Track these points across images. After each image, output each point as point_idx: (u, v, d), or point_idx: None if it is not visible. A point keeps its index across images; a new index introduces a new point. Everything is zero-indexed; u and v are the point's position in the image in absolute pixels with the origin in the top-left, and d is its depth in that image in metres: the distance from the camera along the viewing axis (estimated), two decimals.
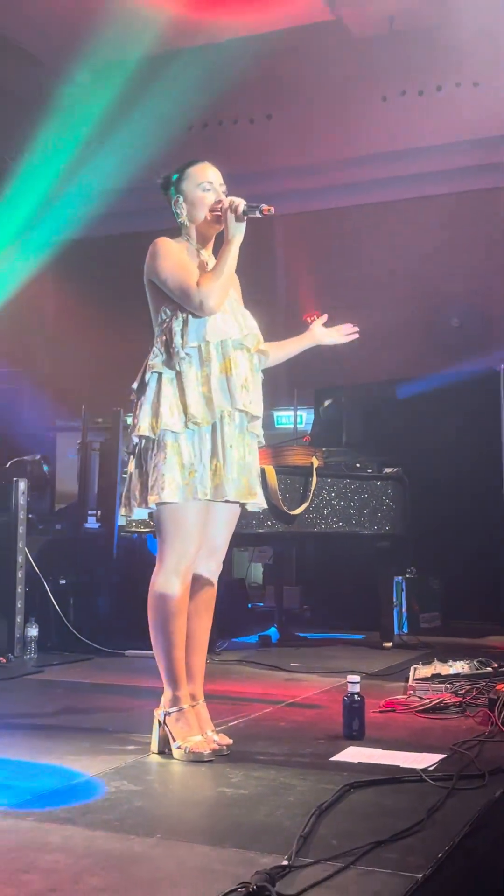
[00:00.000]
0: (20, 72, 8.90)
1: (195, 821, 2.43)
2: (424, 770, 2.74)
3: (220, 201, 3.10)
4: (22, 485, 5.52)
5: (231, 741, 3.06)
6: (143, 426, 2.99)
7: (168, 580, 3.00)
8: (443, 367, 7.67)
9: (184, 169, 3.17)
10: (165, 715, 3.02)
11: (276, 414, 8.74)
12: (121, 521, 6.04)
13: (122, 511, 3.13)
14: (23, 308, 8.63)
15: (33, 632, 5.31)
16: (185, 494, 2.94)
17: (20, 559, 5.43)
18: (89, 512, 6.21)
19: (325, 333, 3.37)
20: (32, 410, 8.48)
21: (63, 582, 5.68)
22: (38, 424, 7.95)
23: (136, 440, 3.05)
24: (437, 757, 2.88)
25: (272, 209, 3.06)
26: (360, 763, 2.88)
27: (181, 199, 3.15)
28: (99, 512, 6.22)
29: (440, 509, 6.88)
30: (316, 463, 5.54)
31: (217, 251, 3.12)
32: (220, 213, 3.08)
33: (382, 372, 7.74)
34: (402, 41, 7.93)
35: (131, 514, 3.09)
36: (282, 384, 7.20)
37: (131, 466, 3.09)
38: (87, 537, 6.11)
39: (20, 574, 5.42)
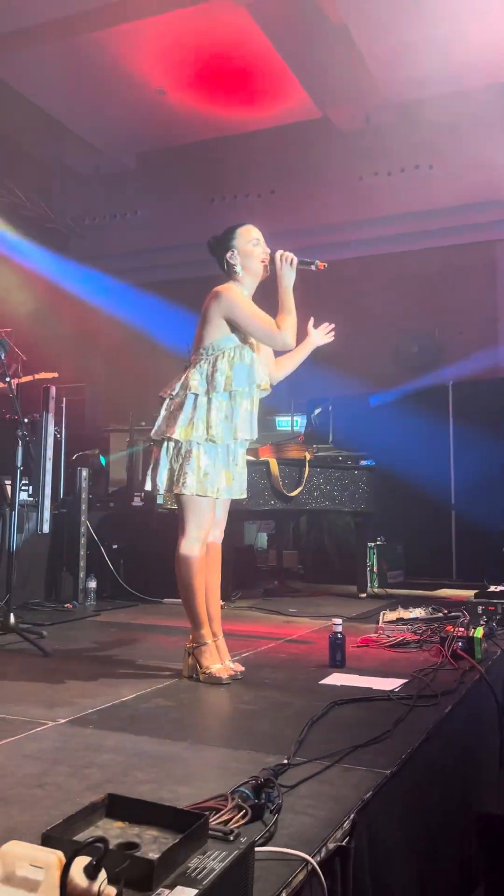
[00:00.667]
0: (82, 155, 8.91)
1: (216, 729, 2.43)
2: (391, 691, 2.74)
3: (271, 253, 3.08)
4: (84, 472, 5.53)
5: (243, 668, 3.05)
6: (178, 432, 2.97)
7: (191, 548, 3.01)
8: (405, 383, 7.65)
9: (234, 229, 3.13)
10: (193, 648, 3.02)
11: (278, 419, 8.73)
12: (159, 501, 6.04)
13: (146, 486, 3.09)
14: (85, 337, 8.63)
15: (92, 584, 5.32)
16: (198, 490, 2.96)
17: (83, 529, 5.45)
18: (135, 493, 6.21)
19: (317, 335, 3.30)
20: (92, 416, 8.48)
21: (115, 546, 5.69)
22: (97, 427, 7.95)
23: (158, 437, 3.04)
24: (401, 681, 2.88)
25: (325, 265, 3.06)
26: (342, 686, 2.88)
27: (235, 252, 3.09)
28: (142, 493, 6.23)
29: (403, 492, 6.87)
30: (308, 456, 5.53)
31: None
32: (267, 264, 3.08)
33: (360, 386, 7.72)
34: (376, 133, 7.91)
35: (154, 491, 3.06)
36: (282, 396, 7.18)
37: (157, 454, 3.05)
38: (134, 513, 6.11)
39: (83, 540, 5.43)
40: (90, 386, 8.30)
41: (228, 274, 3.13)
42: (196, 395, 3.00)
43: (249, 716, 2.57)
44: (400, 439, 7.05)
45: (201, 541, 3.03)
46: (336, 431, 7.24)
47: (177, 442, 2.99)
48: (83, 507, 5.47)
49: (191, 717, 2.54)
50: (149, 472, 3.08)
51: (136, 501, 6.16)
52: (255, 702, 2.72)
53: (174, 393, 3.05)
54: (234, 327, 3.02)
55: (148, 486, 3.08)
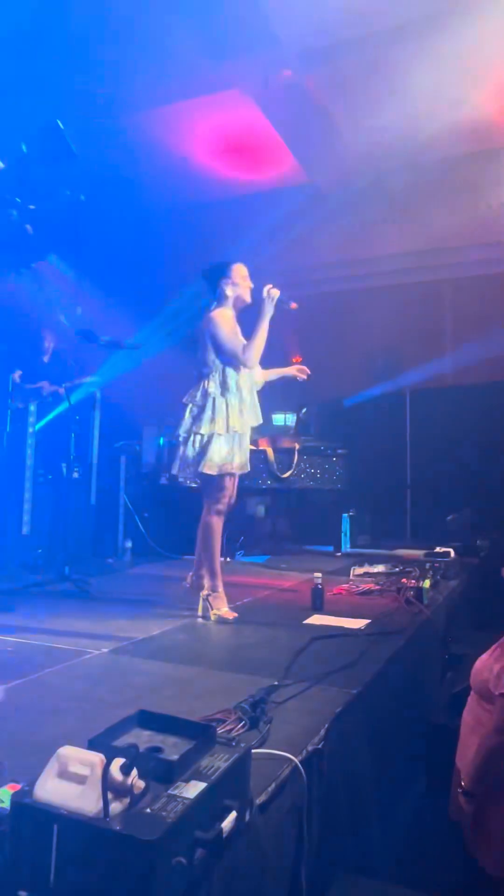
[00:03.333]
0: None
1: (223, 658, 2.44)
2: (359, 629, 2.75)
3: (262, 286, 3.07)
4: (123, 458, 5.53)
5: (237, 614, 3.02)
6: (204, 428, 3.01)
7: (214, 517, 3.06)
8: (372, 388, 7.63)
9: (230, 263, 3.14)
10: (208, 595, 3.02)
11: (274, 416, 8.70)
12: (180, 480, 6.03)
13: (174, 471, 3.14)
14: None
15: (129, 544, 5.33)
16: (222, 469, 3.01)
17: (121, 501, 5.45)
18: (162, 473, 6.21)
19: (294, 372, 3.34)
20: (129, 412, 8.43)
21: (146, 514, 5.69)
22: (133, 420, 7.90)
23: (185, 434, 3.05)
24: (367, 621, 2.89)
25: (296, 306, 3.08)
26: (320, 625, 2.89)
27: (229, 281, 3.10)
28: (168, 473, 6.22)
29: (370, 474, 6.86)
30: (297, 446, 5.53)
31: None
32: (250, 296, 3.10)
33: (337, 391, 7.70)
34: (353, 193, 7.83)
35: (180, 476, 3.14)
36: (277, 398, 7.18)
37: (184, 447, 3.07)
38: (161, 489, 6.10)
39: (121, 510, 5.44)
40: (127, 388, 8.26)
41: (219, 298, 3.13)
42: (214, 398, 3.04)
43: (249, 647, 2.59)
44: (368, 433, 7.05)
45: (221, 511, 3.07)
46: (318, 426, 7.23)
47: (202, 436, 3.02)
48: (122, 484, 5.47)
49: (204, 648, 2.56)
50: (177, 460, 3.12)
51: (163, 480, 6.15)
52: (253, 636, 2.74)
53: (196, 399, 3.07)
54: (214, 345, 3.04)
55: (175, 471, 3.12)
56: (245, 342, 3.05)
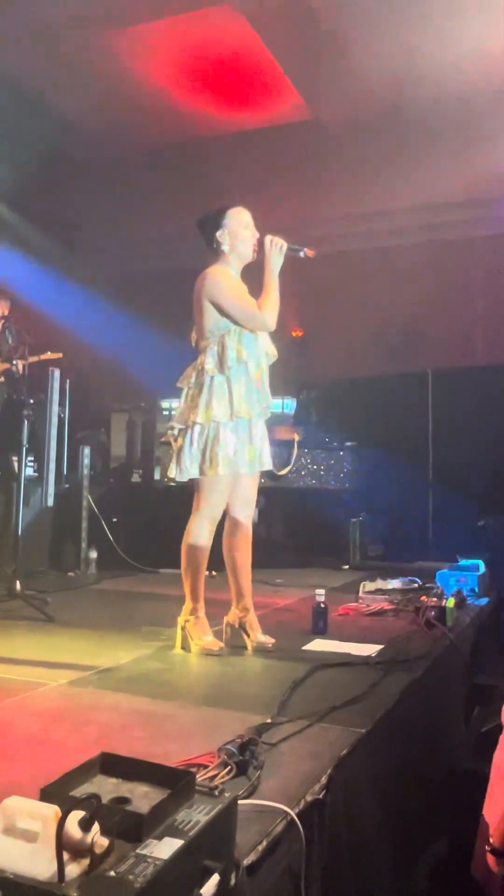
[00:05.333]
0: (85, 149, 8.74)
1: (206, 690, 2.45)
2: (369, 656, 2.76)
3: (260, 237, 2.99)
4: (87, 450, 5.52)
5: (274, 640, 2.95)
6: (201, 415, 2.88)
7: (201, 526, 2.94)
8: (387, 368, 7.65)
9: (226, 209, 3.02)
10: (186, 621, 2.96)
11: None
12: (156, 477, 6.04)
13: (171, 473, 2.97)
14: (89, 325, 8.56)
15: (93, 554, 5.33)
16: (232, 468, 2.90)
17: (85, 503, 5.44)
18: (134, 469, 6.21)
19: (273, 253, 2.98)
20: (95, 395, 8.42)
21: (115, 519, 5.68)
22: (99, 405, 7.89)
23: (182, 425, 2.95)
24: (378, 647, 2.90)
25: (314, 253, 2.98)
26: (323, 651, 2.89)
27: (225, 231, 2.98)
28: (141, 470, 6.23)
29: (384, 470, 6.88)
30: (296, 438, 5.53)
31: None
32: (256, 248, 2.98)
33: (344, 371, 7.70)
34: (363, 132, 7.82)
35: (180, 477, 2.95)
36: (273, 379, 7.16)
37: (181, 442, 2.95)
38: (132, 487, 6.11)
39: (84, 513, 5.43)
40: (94, 367, 8.23)
41: (215, 252, 3.02)
42: (212, 377, 2.92)
43: (237, 678, 2.59)
44: (382, 421, 7.06)
45: (213, 520, 2.96)
46: (322, 413, 7.23)
47: (202, 425, 2.90)
48: (85, 482, 5.46)
49: (182, 679, 2.56)
50: (173, 459, 2.97)
51: (135, 478, 6.16)
52: (242, 665, 2.74)
53: (192, 381, 2.97)
54: (220, 310, 2.94)
55: (173, 473, 2.96)
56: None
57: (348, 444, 5.92)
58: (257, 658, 2.82)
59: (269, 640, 2.96)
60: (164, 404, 7.47)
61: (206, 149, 8.38)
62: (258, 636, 2.96)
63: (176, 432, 3.01)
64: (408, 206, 7.76)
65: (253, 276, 3.09)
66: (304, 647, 2.96)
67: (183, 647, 2.95)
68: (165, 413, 7.37)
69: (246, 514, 3.07)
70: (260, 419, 3.04)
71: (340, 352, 7.49)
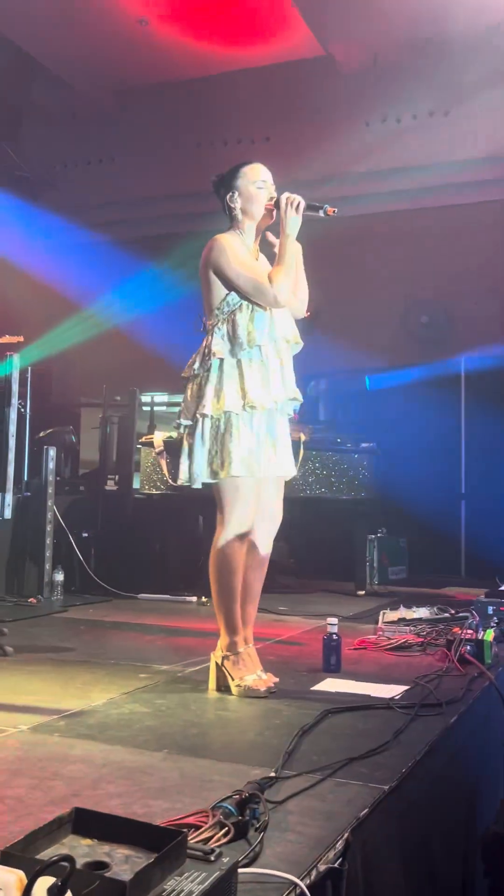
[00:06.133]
0: (55, 95, 8.80)
1: (196, 739, 2.44)
2: (391, 699, 2.76)
3: (274, 196, 3.00)
4: (52, 452, 5.51)
5: (278, 679, 2.97)
6: (210, 407, 2.87)
7: (231, 542, 2.92)
8: (411, 358, 7.65)
9: (239, 168, 3.05)
10: (224, 658, 2.94)
11: None
12: (135, 485, 6.04)
13: (182, 478, 2.96)
14: (52, 300, 8.57)
15: (59, 577, 5.32)
16: (245, 470, 2.87)
17: (49, 515, 5.44)
18: (108, 476, 6.21)
19: (290, 214, 2.99)
20: (62, 388, 8.44)
21: (85, 535, 5.69)
22: (66, 401, 7.91)
23: (190, 420, 2.95)
24: (402, 688, 2.90)
25: (335, 211, 2.98)
26: (336, 692, 2.89)
27: (236, 194, 3.01)
28: (117, 476, 6.22)
29: (407, 479, 6.88)
30: (303, 438, 5.52)
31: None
32: (272, 209, 2.99)
33: (360, 361, 7.71)
34: (383, 75, 7.85)
35: (194, 483, 2.93)
36: None
37: (190, 440, 2.94)
38: (107, 497, 6.11)
39: (49, 528, 5.43)
40: (60, 354, 8.25)
41: (229, 218, 3.06)
42: (221, 360, 2.91)
43: (234, 724, 2.59)
44: (405, 420, 7.07)
45: (245, 531, 2.95)
46: (333, 411, 7.24)
47: (212, 419, 2.89)
48: (50, 490, 5.45)
49: (168, 725, 2.55)
50: (183, 462, 2.96)
51: (110, 485, 6.15)
52: (240, 709, 2.74)
53: (196, 367, 2.96)
54: (225, 282, 2.94)
55: (183, 478, 2.95)
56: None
57: (364, 445, 5.92)
58: (258, 700, 2.82)
59: (271, 679, 2.96)
60: (146, 398, 7.50)
61: (197, 89, 8.41)
62: (259, 674, 2.96)
63: (183, 430, 3.01)
64: (438, 160, 7.78)
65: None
66: (314, 688, 2.97)
67: (218, 689, 2.93)
68: (146, 409, 7.39)
69: (266, 529, 3.07)
70: (283, 416, 3.04)
71: (356, 335, 7.49)
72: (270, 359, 2.95)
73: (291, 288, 2.97)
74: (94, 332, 8.09)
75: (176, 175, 8.23)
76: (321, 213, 3.00)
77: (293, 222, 2.97)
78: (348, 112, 8.08)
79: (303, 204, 2.98)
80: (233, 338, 2.92)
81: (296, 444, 5.44)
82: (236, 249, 2.97)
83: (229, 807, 1.70)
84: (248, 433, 2.90)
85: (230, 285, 2.95)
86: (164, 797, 1.88)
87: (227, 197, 3.04)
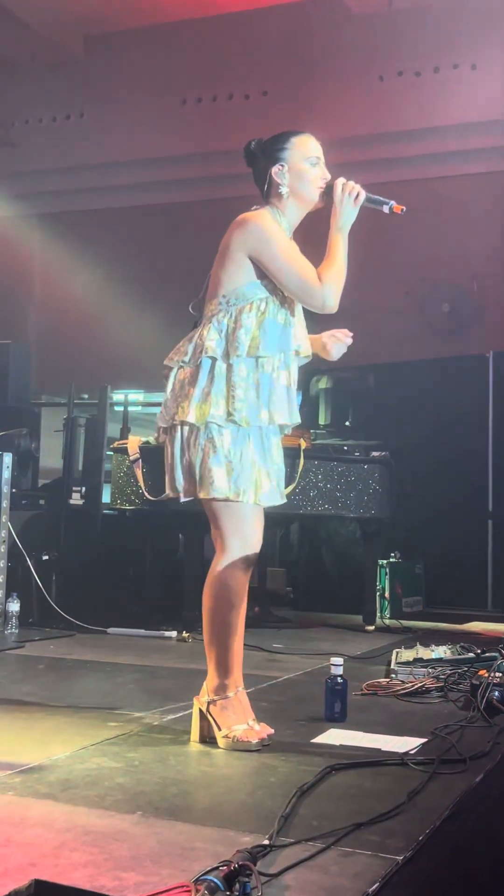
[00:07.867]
0: (10, 36, 8.80)
1: (176, 799, 2.43)
2: (405, 754, 2.75)
3: (329, 180, 2.99)
4: (7, 459, 5.50)
5: (272, 730, 2.96)
6: (192, 413, 2.85)
7: (233, 571, 2.90)
8: (430, 350, 7.68)
9: (287, 136, 3.01)
10: (210, 703, 2.92)
11: None
12: (104, 499, 6.03)
13: (168, 491, 2.99)
14: (10, 277, 8.58)
15: (15, 607, 5.30)
16: (231, 490, 2.86)
17: (3, 534, 5.43)
18: (74, 488, 6.20)
19: (333, 347, 3.21)
20: (17, 383, 8.43)
21: (46, 557, 5.67)
22: (23, 398, 7.89)
23: (165, 424, 2.96)
24: (419, 741, 2.89)
25: (403, 209, 2.96)
26: (341, 745, 2.89)
27: (285, 167, 2.97)
28: (83, 488, 6.21)
29: (425, 495, 6.90)
30: (304, 445, 5.53)
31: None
32: (323, 191, 2.99)
33: (372, 354, 7.73)
34: (400, 21, 7.90)
35: (178, 498, 2.96)
36: None
37: (171, 447, 2.95)
38: (71, 513, 6.10)
39: (2, 549, 5.42)
40: (15, 345, 8.26)
41: (267, 195, 3.02)
42: (213, 360, 2.89)
43: (221, 782, 2.58)
44: (421, 425, 7.09)
45: (251, 554, 2.94)
46: (338, 411, 7.25)
47: (192, 427, 2.88)
48: (4, 504, 5.45)
49: (142, 783, 2.54)
50: (170, 473, 2.97)
51: (75, 499, 6.14)
52: (226, 765, 2.73)
53: (186, 359, 2.94)
54: (262, 273, 2.92)
55: (168, 492, 2.98)
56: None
57: (375, 454, 5.93)
58: (249, 755, 2.81)
59: (264, 731, 2.95)
60: (118, 396, 7.50)
61: (181, 35, 8.42)
62: (250, 723, 2.95)
63: (165, 433, 3.00)
64: (462, 120, 7.83)
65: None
66: (315, 740, 2.96)
67: (203, 740, 2.93)
68: (118, 409, 7.39)
69: None
70: (276, 437, 3.05)
71: (364, 325, 7.50)
72: (280, 374, 2.95)
73: (340, 290, 2.96)
74: (56, 319, 8.12)
75: (155, 136, 8.24)
76: (385, 209, 2.99)
77: (348, 215, 2.97)
78: (358, 63, 8.12)
79: (363, 195, 2.97)
80: (232, 338, 2.89)
81: (294, 452, 5.46)
82: (284, 236, 2.95)
83: (215, 880, 1.70)
84: (232, 449, 2.88)
85: (272, 277, 2.92)
86: (137, 868, 1.86)
87: (274, 171, 2.98)
